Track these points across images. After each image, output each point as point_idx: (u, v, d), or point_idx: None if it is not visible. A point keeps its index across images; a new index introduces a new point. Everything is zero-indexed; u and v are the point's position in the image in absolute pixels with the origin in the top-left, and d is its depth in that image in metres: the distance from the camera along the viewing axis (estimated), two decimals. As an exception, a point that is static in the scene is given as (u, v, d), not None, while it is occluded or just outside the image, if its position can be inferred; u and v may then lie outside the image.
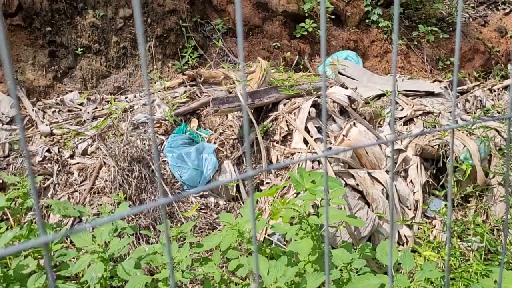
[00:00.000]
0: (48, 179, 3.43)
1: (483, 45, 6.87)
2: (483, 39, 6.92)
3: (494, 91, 5.11)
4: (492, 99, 4.93)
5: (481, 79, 6.46)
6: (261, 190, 3.83)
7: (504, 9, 7.36)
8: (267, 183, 3.84)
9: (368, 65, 6.40)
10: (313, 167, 3.66)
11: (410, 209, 3.64)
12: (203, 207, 3.64)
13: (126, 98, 4.71)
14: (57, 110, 4.47)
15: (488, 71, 6.77)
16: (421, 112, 4.31)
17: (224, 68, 5.06)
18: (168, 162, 3.74)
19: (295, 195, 3.32)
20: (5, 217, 2.93)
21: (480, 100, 4.73)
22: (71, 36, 4.90)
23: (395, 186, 3.67)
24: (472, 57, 6.77)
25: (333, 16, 6.35)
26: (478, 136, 3.80)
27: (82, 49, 4.94)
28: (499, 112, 4.50)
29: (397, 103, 4.55)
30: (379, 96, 4.63)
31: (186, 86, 4.70)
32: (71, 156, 3.66)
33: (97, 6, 5.05)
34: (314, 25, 6.10)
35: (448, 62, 6.64)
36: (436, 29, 6.78)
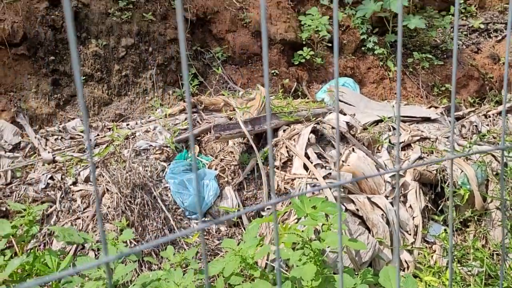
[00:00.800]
0: (51, 206, 3.45)
1: (477, 72, 7.02)
2: (476, 66, 7.07)
3: (489, 116, 5.20)
4: (488, 124, 5.02)
5: (476, 104, 6.58)
6: (262, 216, 3.86)
7: (496, 36, 7.55)
8: (268, 208, 3.87)
9: (365, 91, 6.52)
10: (313, 193, 3.70)
11: (410, 234, 3.67)
12: (205, 233, 3.66)
13: (127, 125, 4.78)
14: (59, 137, 4.52)
15: (482, 97, 6.90)
16: (418, 137, 4.39)
17: (224, 95, 5.16)
18: (170, 189, 3.78)
19: (296, 220, 3.35)
20: (7, 245, 2.94)
21: (476, 126, 4.82)
22: (74, 64, 5.00)
23: (395, 211, 3.70)
24: (466, 83, 6.90)
25: (330, 44, 6.50)
26: (474, 161, 3.87)
27: (84, 77, 5.04)
28: (494, 137, 4.58)
29: (394, 128, 4.62)
30: (377, 122, 4.71)
31: (187, 113, 4.77)
32: (74, 183, 3.69)
33: (100, 36, 5.17)
34: (312, 52, 6.24)
35: (443, 88, 6.77)
36: (430, 56, 6.94)
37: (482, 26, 7.63)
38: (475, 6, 7.97)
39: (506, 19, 7.75)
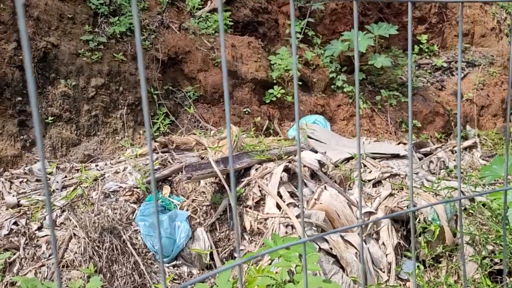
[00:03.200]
0: (14, 254, 3.30)
1: (442, 108, 7.27)
2: (441, 102, 7.33)
3: (456, 152, 5.35)
4: (454, 160, 5.15)
5: (443, 140, 6.77)
6: (235, 258, 3.78)
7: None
8: (241, 249, 3.81)
9: (335, 128, 6.63)
10: (286, 232, 3.67)
11: (384, 272, 3.66)
12: (176, 277, 3.56)
13: (96, 166, 4.68)
14: (24, 180, 4.38)
15: (448, 132, 7.12)
16: (388, 174, 4.45)
17: (195, 134, 5.14)
18: (140, 231, 3.67)
19: (269, 261, 3.29)
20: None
21: (443, 161, 4.94)
22: (41, 105, 4.91)
23: (368, 248, 3.70)
24: (433, 119, 7.13)
25: (300, 83, 6.63)
26: (443, 197, 3.94)
27: (52, 117, 4.95)
28: (461, 173, 4.70)
29: (365, 165, 4.69)
30: (348, 159, 4.77)
31: (158, 153, 4.72)
32: (39, 228, 3.55)
33: (69, 76, 5.12)
34: (283, 91, 6.34)
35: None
36: (397, 93, 7.16)
37: (445, 64, 7.97)
38: (437, 45, 8.34)
39: (466, 58, 8.13)
